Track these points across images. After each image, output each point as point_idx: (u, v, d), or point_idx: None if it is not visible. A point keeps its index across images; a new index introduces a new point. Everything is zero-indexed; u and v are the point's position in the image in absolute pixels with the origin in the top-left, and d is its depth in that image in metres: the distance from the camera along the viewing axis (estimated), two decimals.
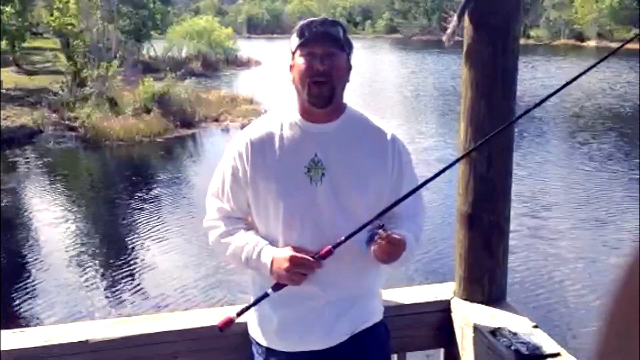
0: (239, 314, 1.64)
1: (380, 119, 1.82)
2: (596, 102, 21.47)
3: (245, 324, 1.86)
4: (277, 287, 1.63)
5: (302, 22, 1.69)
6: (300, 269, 1.59)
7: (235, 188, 1.74)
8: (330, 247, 1.58)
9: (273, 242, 1.69)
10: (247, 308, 1.66)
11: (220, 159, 1.82)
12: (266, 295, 1.63)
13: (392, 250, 1.59)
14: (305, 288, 1.67)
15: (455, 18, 2.02)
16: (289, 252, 1.62)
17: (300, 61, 1.65)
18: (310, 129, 1.71)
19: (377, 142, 1.74)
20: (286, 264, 1.59)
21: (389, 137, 1.75)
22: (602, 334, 0.41)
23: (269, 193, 1.68)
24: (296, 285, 1.62)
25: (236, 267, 1.80)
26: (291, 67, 1.70)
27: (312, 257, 1.59)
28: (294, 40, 1.68)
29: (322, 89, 1.64)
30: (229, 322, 1.64)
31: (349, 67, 1.71)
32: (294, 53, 1.69)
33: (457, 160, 1.69)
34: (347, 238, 1.57)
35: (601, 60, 1.64)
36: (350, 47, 1.70)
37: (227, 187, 1.75)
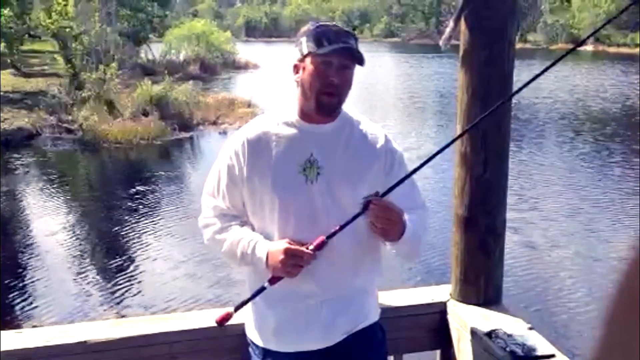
0: (236, 309, 1.66)
1: (373, 122, 1.85)
2: (586, 104, 21.68)
3: (243, 325, 1.87)
4: (273, 280, 1.64)
5: (317, 28, 1.67)
6: (294, 260, 1.60)
7: (230, 187, 1.75)
8: (324, 237, 1.59)
9: (269, 240, 1.71)
10: (245, 302, 1.67)
11: (220, 151, 1.82)
12: (263, 289, 1.64)
13: (388, 217, 1.59)
14: (303, 287, 1.68)
15: (451, 22, 2.04)
16: (283, 244, 1.63)
17: (313, 67, 1.65)
18: (307, 129, 1.73)
19: (372, 143, 1.77)
20: (281, 256, 1.61)
21: (382, 138, 1.79)
22: (602, 332, 0.41)
23: (265, 192, 1.70)
24: (292, 278, 1.62)
25: (232, 264, 1.81)
26: (296, 67, 1.71)
27: (307, 248, 1.61)
28: (308, 44, 1.66)
29: (332, 100, 1.66)
30: (227, 317, 1.66)
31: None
32: (305, 56, 1.67)
33: (448, 145, 1.69)
34: (341, 227, 1.58)
35: (560, 59, 1.67)
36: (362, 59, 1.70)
37: (222, 186, 1.77)
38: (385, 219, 1.59)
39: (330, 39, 1.64)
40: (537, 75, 1.59)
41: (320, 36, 1.65)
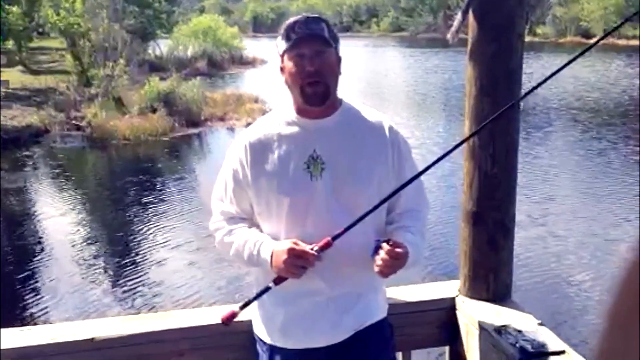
0: (242, 308, 1.65)
1: (376, 111, 1.81)
2: (591, 95, 21.75)
3: (249, 322, 1.86)
4: (278, 280, 1.63)
5: (286, 24, 1.68)
6: (298, 261, 1.58)
7: (237, 191, 1.75)
8: (329, 238, 1.57)
9: (276, 240, 1.69)
10: (250, 301, 1.66)
11: (225, 157, 1.83)
12: (268, 288, 1.63)
13: (395, 265, 1.60)
14: (310, 284, 1.67)
15: (459, 15, 2.02)
16: (288, 244, 1.61)
17: (290, 64, 1.65)
18: (307, 125, 1.71)
19: (376, 135, 1.74)
20: (284, 256, 1.59)
21: (387, 128, 1.76)
22: (605, 329, 0.41)
23: (271, 192, 1.69)
24: (296, 279, 1.61)
25: (241, 266, 1.81)
26: (282, 69, 1.71)
27: (311, 249, 1.59)
28: (281, 43, 1.67)
29: (316, 88, 1.64)
30: (232, 315, 1.65)
31: (339, 60, 1.71)
32: (282, 56, 1.68)
33: (456, 147, 1.67)
34: (346, 229, 1.56)
35: (580, 54, 1.63)
36: (336, 40, 1.70)
37: (229, 191, 1.76)
38: (393, 267, 1.59)
39: (296, 30, 1.63)
40: (547, 79, 1.56)
41: (288, 31, 1.65)
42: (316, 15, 1.72)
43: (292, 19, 1.68)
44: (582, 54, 1.66)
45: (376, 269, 1.60)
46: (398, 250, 1.58)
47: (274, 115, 1.77)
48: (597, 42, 1.83)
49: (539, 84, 1.61)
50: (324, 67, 1.64)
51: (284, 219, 1.69)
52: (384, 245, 1.58)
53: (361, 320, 1.77)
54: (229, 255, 1.78)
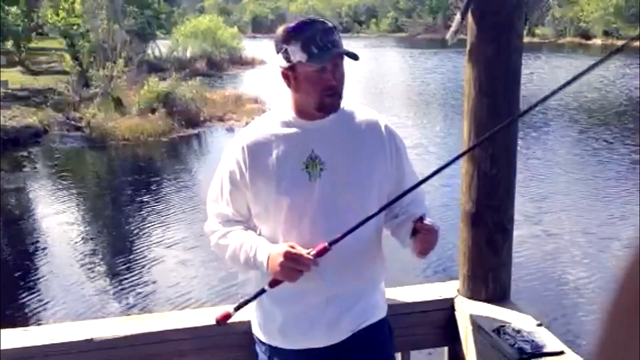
0: (236, 309, 1.65)
1: (371, 110, 1.81)
2: (590, 95, 21.84)
3: (249, 322, 1.86)
4: (273, 283, 1.62)
5: (299, 32, 1.59)
6: (293, 264, 1.57)
7: (234, 193, 1.73)
8: (326, 244, 1.57)
9: (274, 243, 1.68)
10: (245, 303, 1.66)
11: (221, 159, 1.81)
12: (263, 291, 1.63)
13: (434, 242, 1.62)
14: (309, 284, 1.66)
15: (458, 15, 2.02)
16: (284, 247, 1.60)
17: (310, 77, 1.61)
18: (305, 126, 1.70)
19: (373, 133, 1.74)
20: (280, 259, 1.58)
21: (383, 126, 1.76)
22: (604, 328, 0.41)
23: (269, 193, 1.68)
24: (291, 282, 1.59)
25: (238, 269, 1.80)
26: (286, 76, 1.66)
27: (308, 253, 1.58)
28: (296, 54, 1.58)
29: (334, 99, 1.65)
30: (227, 316, 1.65)
31: None
32: (294, 64, 1.61)
33: (458, 157, 1.68)
34: (344, 235, 1.56)
35: (607, 57, 1.61)
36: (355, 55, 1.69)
37: (225, 193, 1.75)
38: (433, 245, 1.62)
39: (318, 44, 1.57)
40: (553, 93, 1.54)
41: (309, 43, 1.57)
42: (329, 23, 1.64)
43: (303, 24, 1.60)
44: (598, 63, 1.65)
45: (418, 250, 1.62)
46: (432, 228, 1.61)
47: (271, 116, 1.76)
48: (620, 48, 1.81)
49: (546, 97, 1.59)
50: (342, 79, 1.65)
51: (282, 220, 1.68)
52: (421, 224, 1.59)
53: (360, 320, 1.77)
54: (225, 258, 1.77)
